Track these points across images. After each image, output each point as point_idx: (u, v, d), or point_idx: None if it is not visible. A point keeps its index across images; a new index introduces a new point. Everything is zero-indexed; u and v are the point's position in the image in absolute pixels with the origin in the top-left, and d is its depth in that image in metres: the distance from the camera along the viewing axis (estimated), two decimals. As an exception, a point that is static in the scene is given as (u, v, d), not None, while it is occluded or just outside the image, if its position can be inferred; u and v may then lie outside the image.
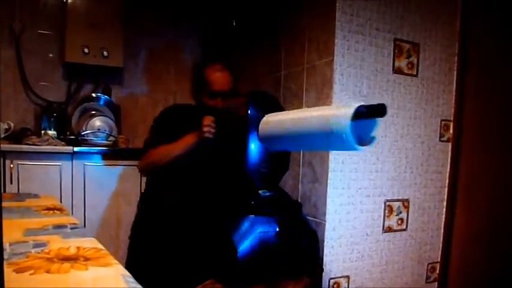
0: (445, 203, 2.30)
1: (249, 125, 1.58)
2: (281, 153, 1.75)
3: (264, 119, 1.52)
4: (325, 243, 1.96)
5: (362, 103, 1.07)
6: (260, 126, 1.51)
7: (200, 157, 1.90)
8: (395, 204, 2.14)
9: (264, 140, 1.47)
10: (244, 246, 1.51)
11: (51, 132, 2.77)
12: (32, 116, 2.99)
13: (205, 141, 1.81)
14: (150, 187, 2.12)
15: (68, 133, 2.87)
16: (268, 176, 1.73)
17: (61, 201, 1.71)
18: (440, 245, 2.32)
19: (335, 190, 1.97)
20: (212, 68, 2.03)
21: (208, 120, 1.81)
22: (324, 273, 1.95)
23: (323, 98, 1.99)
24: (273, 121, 1.46)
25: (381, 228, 2.11)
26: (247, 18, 2.81)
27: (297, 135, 1.29)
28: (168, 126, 2.02)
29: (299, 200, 2.14)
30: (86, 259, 0.77)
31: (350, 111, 1.01)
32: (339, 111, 1.08)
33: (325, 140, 1.12)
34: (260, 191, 1.69)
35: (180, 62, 3.49)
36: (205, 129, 1.79)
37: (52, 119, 2.89)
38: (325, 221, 1.96)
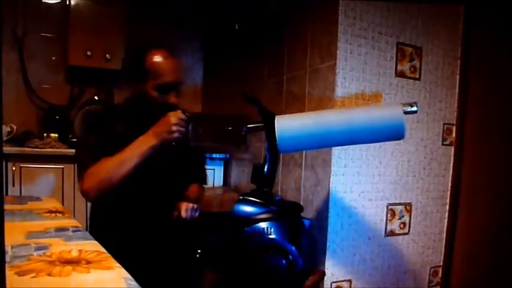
0: (447, 207, 2.30)
1: (267, 127, 1.48)
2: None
3: (287, 121, 1.43)
4: (327, 247, 1.96)
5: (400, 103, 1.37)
6: (283, 128, 1.40)
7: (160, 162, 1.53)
8: (398, 208, 2.14)
9: (289, 140, 1.40)
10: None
11: (54, 135, 2.77)
12: (34, 119, 3.00)
13: (170, 142, 1.47)
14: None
15: (70, 136, 2.87)
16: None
17: (63, 204, 1.70)
18: (443, 249, 2.31)
19: (337, 194, 1.96)
20: (157, 54, 1.55)
21: (176, 116, 1.45)
22: (325, 277, 1.95)
23: (325, 101, 1.99)
24: (309, 123, 1.40)
25: (383, 232, 2.11)
26: (250, 21, 2.82)
27: (352, 132, 1.37)
28: (107, 133, 1.55)
29: (301, 203, 2.14)
30: (88, 262, 0.76)
31: (400, 108, 1.34)
32: (392, 109, 1.37)
33: (380, 133, 1.37)
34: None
35: (183, 65, 3.50)
36: (175, 128, 1.43)
37: (54, 122, 2.90)
38: (327, 224, 1.95)
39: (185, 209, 1.57)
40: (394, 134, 1.37)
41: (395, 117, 1.34)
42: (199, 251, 1.56)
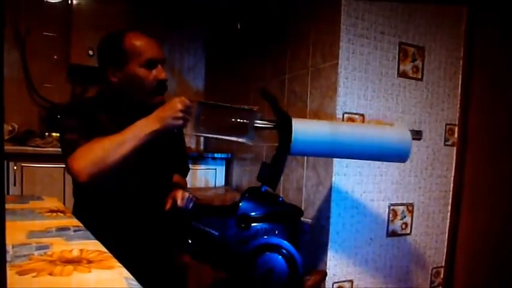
0: (449, 208, 2.29)
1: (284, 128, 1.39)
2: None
3: (303, 125, 1.43)
4: (328, 247, 1.95)
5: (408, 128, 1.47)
6: (299, 131, 1.40)
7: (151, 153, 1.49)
8: (400, 209, 2.13)
9: (302, 144, 1.40)
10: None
11: (55, 135, 2.77)
12: (36, 118, 3.00)
13: (172, 129, 1.41)
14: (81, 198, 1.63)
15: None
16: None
17: (64, 204, 1.70)
18: (445, 249, 2.31)
19: (339, 194, 1.96)
20: (133, 35, 1.50)
21: (182, 102, 1.36)
22: (327, 277, 1.94)
23: (327, 101, 1.98)
24: (325, 130, 1.41)
25: (385, 232, 2.10)
26: (252, 21, 2.81)
27: (364, 147, 1.44)
28: (93, 120, 1.48)
29: (302, 203, 2.14)
30: (89, 262, 0.76)
31: (409, 135, 1.44)
32: (403, 132, 1.44)
33: (388, 154, 1.46)
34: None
35: (185, 64, 3.50)
36: (181, 114, 1.35)
37: (56, 121, 2.90)
38: (328, 225, 1.95)
39: (181, 197, 1.52)
40: (400, 157, 1.46)
41: (404, 142, 1.43)
42: (190, 240, 1.52)
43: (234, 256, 1.41)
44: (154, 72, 1.49)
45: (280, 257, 1.37)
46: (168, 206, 1.51)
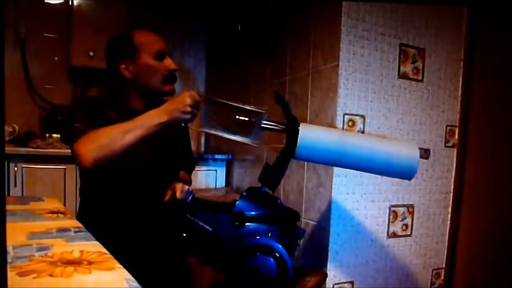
0: (450, 209, 2.29)
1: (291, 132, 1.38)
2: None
3: (311, 131, 1.43)
4: (329, 249, 1.95)
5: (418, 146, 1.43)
6: (305, 136, 1.40)
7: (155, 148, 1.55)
8: (400, 210, 2.13)
9: (308, 150, 1.40)
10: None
11: (56, 136, 2.77)
12: (36, 119, 3.00)
13: (180, 123, 1.43)
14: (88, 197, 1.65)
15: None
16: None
17: (65, 205, 1.70)
18: (445, 251, 2.30)
19: (339, 195, 1.96)
20: (142, 31, 1.60)
21: (192, 97, 1.35)
22: (327, 279, 1.94)
23: (328, 102, 1.98)
24: (332, 139, 1.40)
25: (386, 233, 2.10)
26: (253, 22, 2.82)
27: (370, 160, 1.41)
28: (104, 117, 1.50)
29: (303, 205, 2.14)
30: (90, 263, 0.76)
31: (418, 151, 1.40)
32: (411, 151, 1.40)
33: (394, 170, 1.42)
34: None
35: (186, 65, 3.51)
36: (189, 109, 1.34)
37: (57, 123, 2.90)
38: (329, 226, 1.95)
39: (181, 190, 1.53)
40: (406, 176, 1.43)
41: (412, 162, 1.39)
42: (184, 234, 1.52)
43: (225, 253, 1.40)
44: (164, 62, 1.58)
45: (271, 259, 1.36)
46: (167, 197, 1.52)
